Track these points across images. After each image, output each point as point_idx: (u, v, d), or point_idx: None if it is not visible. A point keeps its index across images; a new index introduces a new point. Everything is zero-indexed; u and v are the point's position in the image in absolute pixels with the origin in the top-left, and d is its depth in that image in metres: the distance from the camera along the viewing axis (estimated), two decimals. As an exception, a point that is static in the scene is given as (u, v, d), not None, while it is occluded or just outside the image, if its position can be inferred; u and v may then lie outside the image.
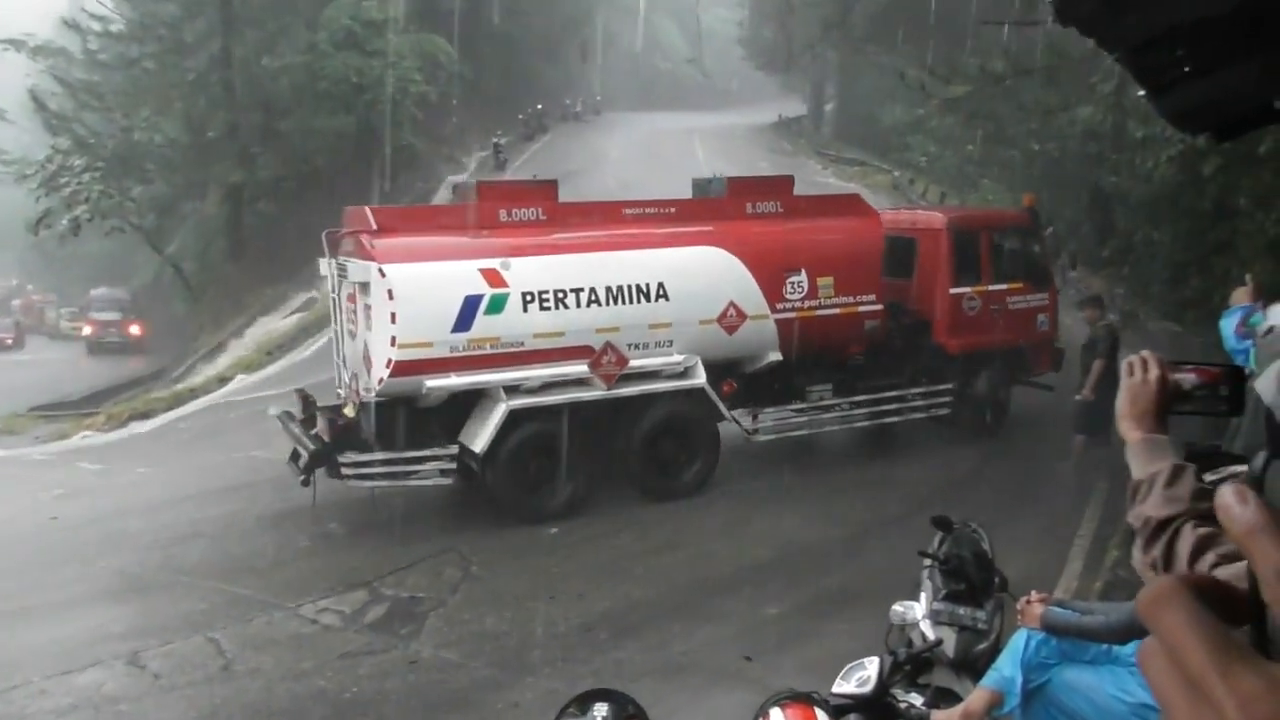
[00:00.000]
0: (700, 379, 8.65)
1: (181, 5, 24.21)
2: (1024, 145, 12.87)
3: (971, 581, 3.73)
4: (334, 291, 8.71)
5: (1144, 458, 1.53)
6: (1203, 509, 1.39)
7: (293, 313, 20.19)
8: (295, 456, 8.43)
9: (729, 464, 9.22)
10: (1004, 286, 10.16)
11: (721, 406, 8.82)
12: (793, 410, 9.28)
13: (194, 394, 15.59)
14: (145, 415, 14.55)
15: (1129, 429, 1.57)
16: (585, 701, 2.83)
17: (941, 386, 9.82)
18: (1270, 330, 2.99)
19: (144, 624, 6.61)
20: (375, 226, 7.91)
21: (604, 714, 2.79)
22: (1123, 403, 1.59)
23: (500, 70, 33.24)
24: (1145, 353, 1.64)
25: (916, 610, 3.57)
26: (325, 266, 8.74)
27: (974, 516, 4.42)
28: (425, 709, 5.40)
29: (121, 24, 25.53)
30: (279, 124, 23.05)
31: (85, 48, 25.47)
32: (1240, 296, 5.02)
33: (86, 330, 33.94)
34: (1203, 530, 1.36)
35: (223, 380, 16.15)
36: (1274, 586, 0.75)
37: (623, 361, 8.40)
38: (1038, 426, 10.34)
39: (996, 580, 3.81)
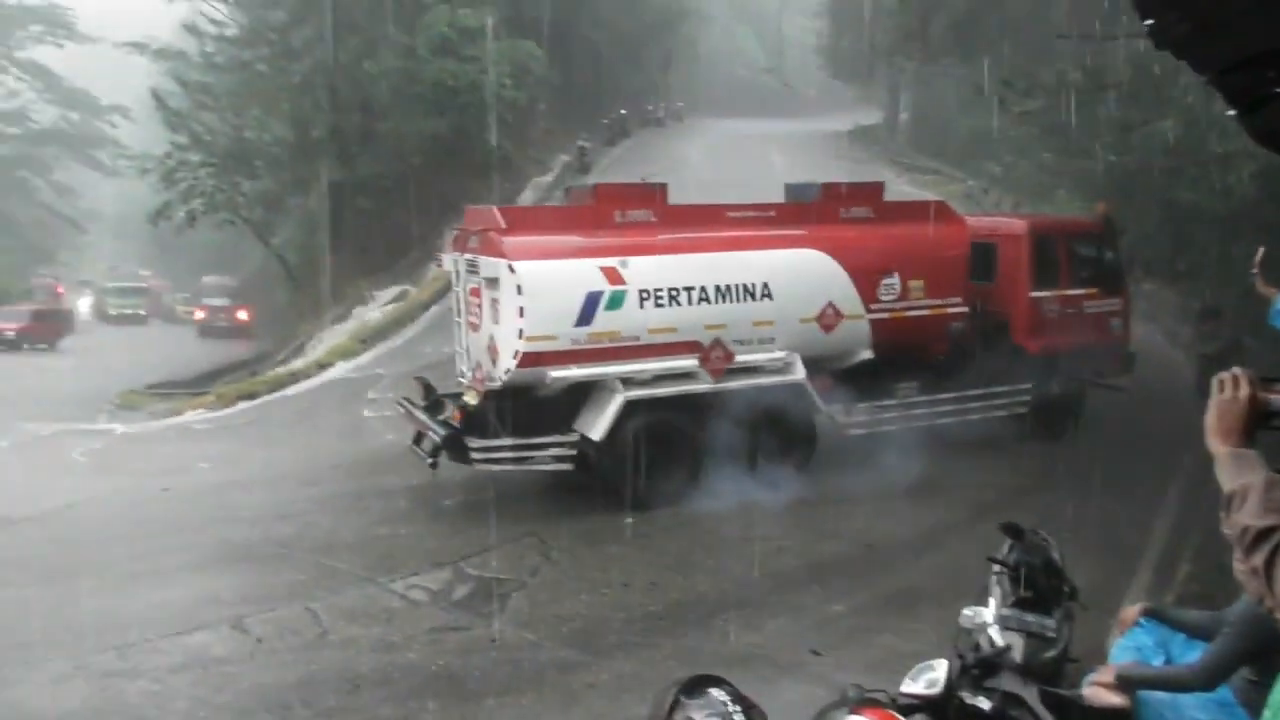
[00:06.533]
0: (800, 374, 8.96)
1: (290, 12, 25.49)
2: (1101, 157, 12.51)
3: (1040, 589, 3.76)
4: (457, 285, 9.18)
5: (1233, 470, 1.63)
6: None
7: (388, 303, 21.05)
8: (419, 439, 8.88)
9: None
10: (1080, 291, 10.42)
11: (818, 400, 9.08)
12: (882, 405, 9.44)
13: (295, 378, 16.41)
14: (251, 396, 15.47)
15: (1216, 443, 1.69)
16: (695, 687, 2.78)
17: (1021, 386, 9.97)
18: None
19: (248, 592, 6.98)
20: (504, 225, 8.31)
21: (723, 698, 2.73)
22: (1211, 418, 1.71)
23: (586, 76, 33.74)
24: (1236, 370, 1.75)
25: (986, 615, 3.58)
26: (450, 262, 9.26)
27: (1042, 524, 4.39)
28: (506, 685, 5.59)
29: (235, 29, 27.02)
30: (378, 125, 24.02)
31: (202, 51, 27.02)
32: None
33: (198, 315, 36.01)
34: None
35: (322, 366, 16.95)
36: None
37: (729, 357, 8.74)
38: (1107, 431, 10.20)
39: (1066, 589, 3.83)
